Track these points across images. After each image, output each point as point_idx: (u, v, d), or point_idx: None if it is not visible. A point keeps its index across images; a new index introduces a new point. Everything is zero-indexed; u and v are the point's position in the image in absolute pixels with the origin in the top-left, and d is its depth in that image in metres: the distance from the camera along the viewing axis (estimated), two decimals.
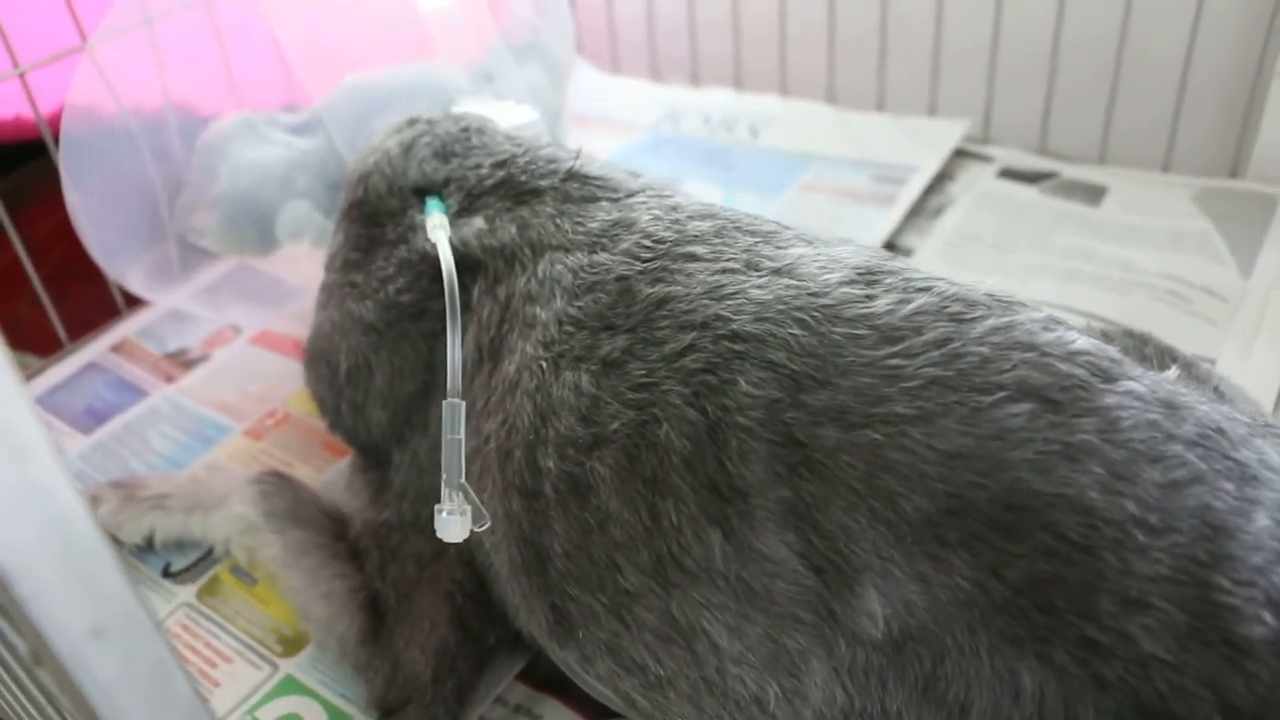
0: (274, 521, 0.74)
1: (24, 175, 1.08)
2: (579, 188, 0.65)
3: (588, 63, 1.46)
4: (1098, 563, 0.42)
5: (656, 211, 0.61)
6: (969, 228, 1.08)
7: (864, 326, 0.49)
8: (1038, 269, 1.01)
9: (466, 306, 0.64)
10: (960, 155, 1.19)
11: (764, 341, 0.50)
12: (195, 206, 0.88)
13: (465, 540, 0.56)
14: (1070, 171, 1.15)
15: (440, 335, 0.66)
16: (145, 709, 0.32)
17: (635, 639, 0.52)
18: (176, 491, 0.81)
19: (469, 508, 0.56)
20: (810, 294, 0.51)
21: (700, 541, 0.49)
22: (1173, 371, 0.50)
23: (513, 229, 0.64)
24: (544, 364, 0.57)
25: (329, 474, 0.86)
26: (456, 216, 0.67)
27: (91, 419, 0.96)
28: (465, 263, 0.65)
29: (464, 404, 0.58)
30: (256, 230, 0.85)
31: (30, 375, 1.01)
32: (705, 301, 0.53)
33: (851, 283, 0.51)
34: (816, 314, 0.50)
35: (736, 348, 0.50)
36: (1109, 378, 0.46)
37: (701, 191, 1.15)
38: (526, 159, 0.68)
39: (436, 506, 0.56)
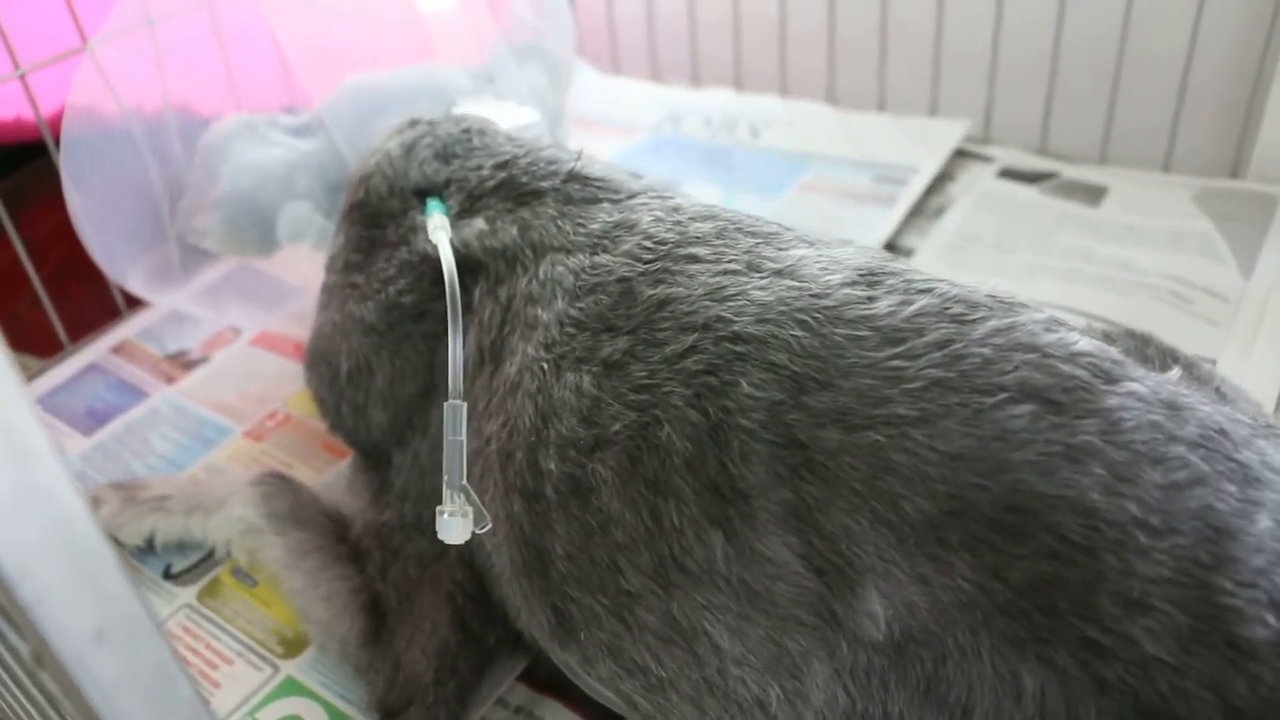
0: (275, 523, 0.74)
1: (24, 176, 1.08)
2: (580, 189, 0.65)
3: (588, 64, 1.46)
4: (1099, 564, 0.42)
5: (658, 213, 0.61)
6: (969, 228, 1.08)
7: (866, 328, 0.49)
8: (1038, 269, 1.01)
9: (468, 308, 0.64)
10: (961, 155, 1.19)
11: (766, 343, 0.50)
12: (196, 208, 0.88)
13: (466, 542, 0.56)
14: (1071, 172, 1.15)
15: (441, 337, 0.66)
16: (147, 711, 0.32)
17: (637, 640, 0.52)
18: (177, 493, 0.81)
19: (470, 509, 0.56)
20: (812, 295, 0.51)
21: (702, 543, 0.49)
22: (1175, 373, 0.50)
23: (514, 230, 0.64)
24: (545, 365, 0.57)
25: (329, 475, 0.86)
26: (457, 218, 0.67)
27: (92, 420, 0.96)
28: (466, 264, 0.65)
29: (465, 405, 0.58)
30: (257, 232, 0.85)
31: (31, 376, 1.01)
32: (707, 303, 0.53)
33: (853, 284, 0.51)
34: (818, 315, 0.50)
35: (738, 349, 0.50)
36: (1111, 379, 0.46)
37: (702, 192, 1.15)
38: (528, 160, 0.68)
39: (438, 508, 0.56)
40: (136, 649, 0.31)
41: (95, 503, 0.80)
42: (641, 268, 0.57)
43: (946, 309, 0.49)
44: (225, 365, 1.01)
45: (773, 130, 1.28)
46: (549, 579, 0.55)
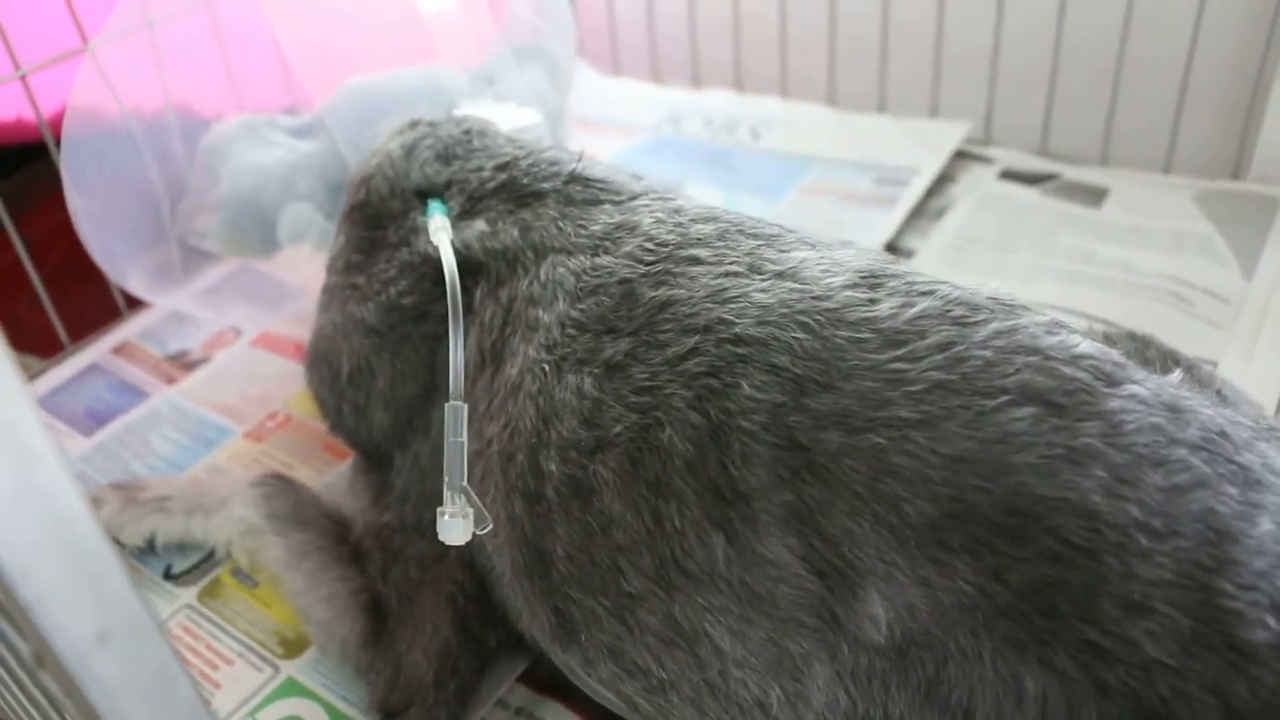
0: (275, 524, 0.74)
1: (25, 176, 1.08)
2: (581, 190, 0.65)
3: (589, 65, 1.46)
4: (1101, 567, 0.42)
5: (659, 214, 0.61)
6: (970, 229, 1.08)
7: (867, 330, 0.49)
8: (1039, 271, 1.01)
9: (468, 309, 0.64)
10: (961, 157, 1.19)
11: (767, 345, 0.50)
12: (197, 209, 0.88)
13: (467, 543, 0.56)
14: (1071, 173, 1.15)
15: (442, 338, 0.66)
16: (148, 712, 0.32)
17: (637, 642, 0.52)
18: (178, 494, 0.81)
19: (471, 511, 0.56)
20: (813, 298, 0.51)
21: (703, 545, 0.49)
22: (1176, 375, 0.50)
23: (515, 231, 0.64)
24: (546, 367, 0.57)
25: (330, 476, 0.86)
26: (458, 219, 0.67)
27: (92, 421, 0.96)
28: (467, 265, 0.65)
29: (466, 406, 0.58)
30: (258, 233, 0.85)
31: (31, 377, 1.01)
32: (708, 305, 0.53)
33: (854, 286, 0.51)
34: (819, 317, 0.50)
35: (739, 351, 0.50)
36: (1112, 381, 0.46)
37: (703, 194, 1.15)
38: (528, 161, 0.68)
39: (439, 509, 0.56)
40: (138, 650, 0.31)
41: (96, 503, 0.80)
42: (643, 269, 0.57)
43: (948, 311, 0.49)
44: (226, 366, 1.01)
45: (773, 131, 1.28)
46: (550, 580, 0.55)
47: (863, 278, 0.52)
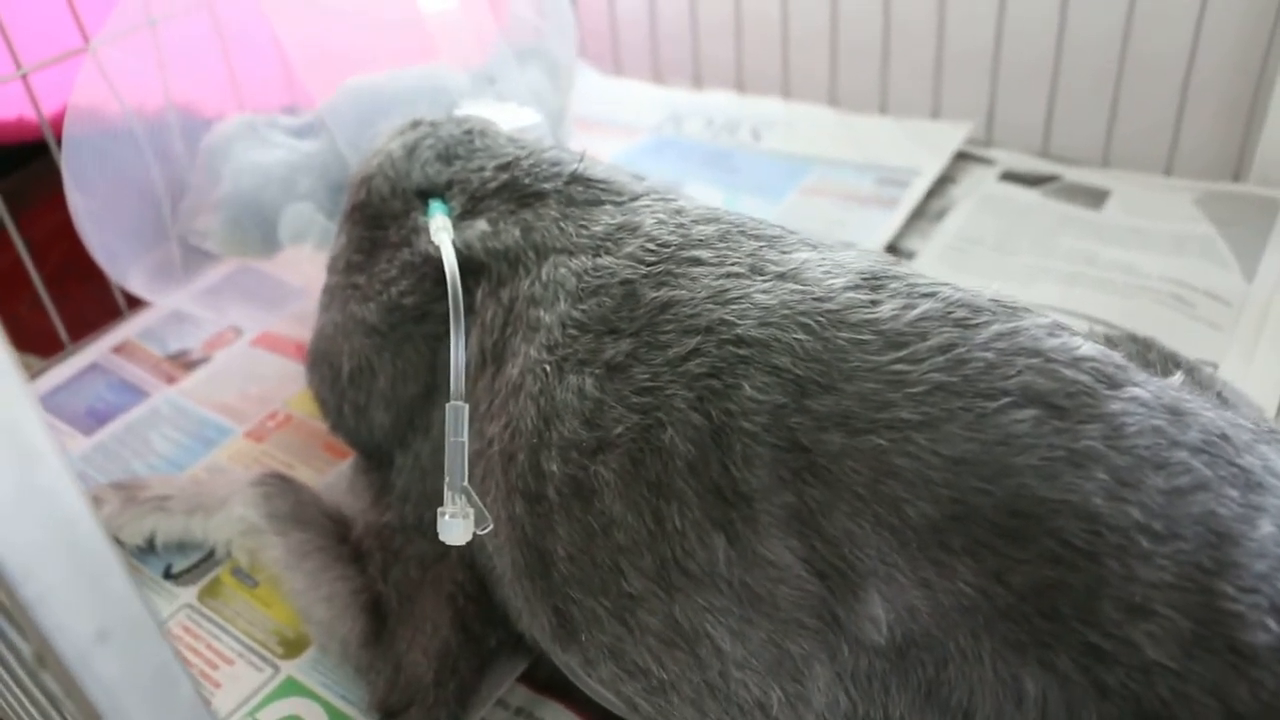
0: (276, 523, 0.74)
1: (26, 176, 1.08)
2: (583, 191, 0.65)
3: (590, 65, 1.46)
4: (1102, 569, 0.42)
5: (661, 215, 0.61)
6: (971, 231, 1.08)
7: (869, 332, 0.49)
8: (1040, 272, 1.01)
9: (470, 309, 0.64)
10: (962, 158, 1.20)
11: (768, 346, 0.50)
12: (198, 209, 0.88)
13: (468, 543, 0.56)
14: (1072, 174, 1.15)
15: (443, 338, 0.66)
16: (148, 711, 0.32)
17: (638, 643, 0.52)
18: (178, 493, 0.81)
19: (472, 511, 0.56)
20: (815, 299, 0.51)
21: (704, 546, 0.49)
22: (1177, 377, 0.50)
23: (516, 232, 0.64)
24: (547, 367, 0.57)
25: (330, 476, 0.86)
26: (459, 219, 0.67)
27: (92, 420, 0.96)
28: (468, 265, 0.65)
29: (467, 407, 0.58)
30: (259, 233, 0.85)
31: (32, 376, 1.01)
32: (710, 306, 0.53)
33: (856, 288, 0.51)
34: (821, 319, 0.50)
35: (741, 352, 0.50)
36: (1114, 384, 0.46)
37: (704, 194, 1.15)
38: (530, 162, 0.68)
39: (439, 509, 0.56)
40: (138, 649, 0.31)
41: (96, 502, 0.80)
42: (644, 270, 0.57)
43: (949, 313, 0.49)
44: (226, 365, 1.01)
45: (774, 132, 1.28)
46: (551, 581, 0.55)
47: (864, 279, 0.52)
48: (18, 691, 0.42)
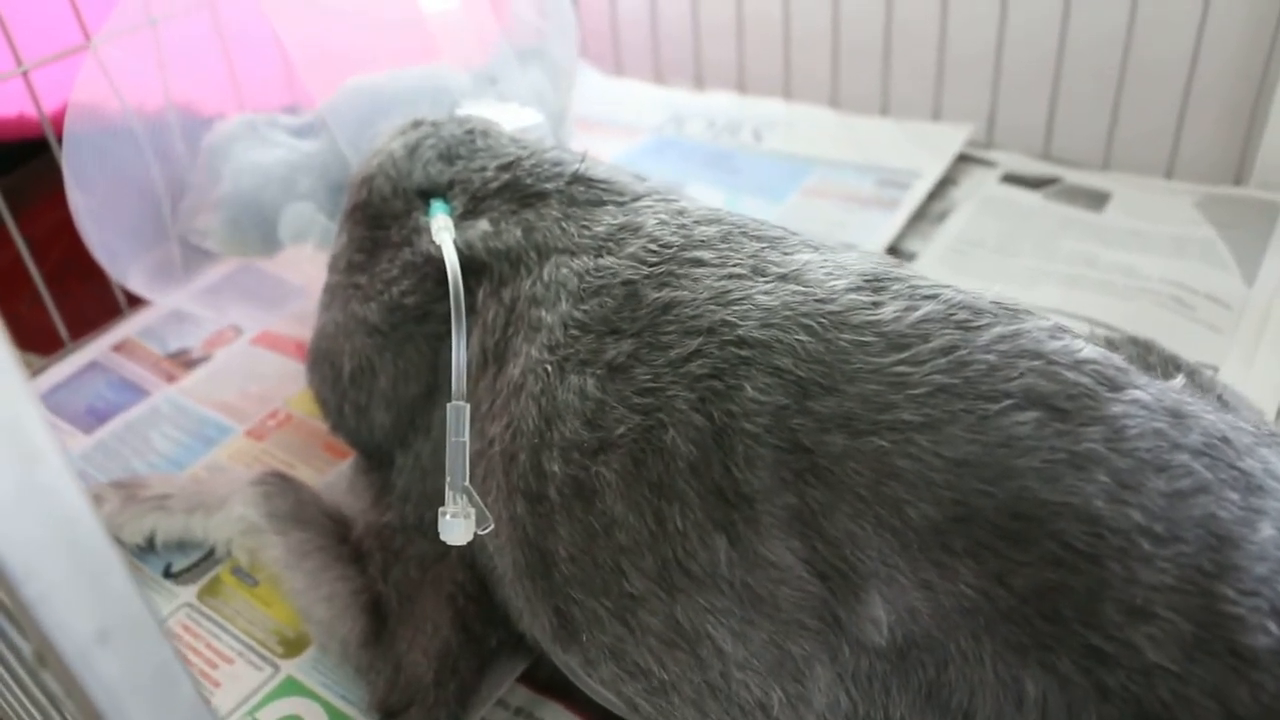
0: (276, 523, 0.74)
1: (26, 173, 1.08)
2: (584, 191, 0.65)
3: (591, 65, 1.46)
4: (1103, 571, 0.42)
5: (662, 216, 0.61)
6: (972, 233, 1.09)
7: (871, 333, 0.49)
8: (1041, 274, 1.01)
9: (471, 309, 0.64)
10: (964, 160, 1.20)
11: (770, 348, 0.50)
12: (198, 208, 0.88)
13: (468, 543, 0.56)
14: (1074, 177, 1.15)
15: (444, 338, 0.66)
16: (149, 711, 0.32)
17: (639, 643, 0.52)
18: (178, 492, 0.81)
19: (473, 510, 0.56)
20: (817, 300, 0.51)
21: (705, 547, 0.49)
22: (1178, 380, 0.50)
23: (518, 232, 0.64)
24: (549, 367, 0.57)
25: (330, 475, 0.86)
26: (461, 219, 0.67)
27: (93, 418, 0.96)
28: (470, 265, 0.65)
29: (468, 406, 0.58)
30: (259, 232, 0.85)
31: (32, 374, 1.01)
32: (711, 307, 0.53)
33: (858, 289, 0.51)
34: (823, 320, 0.50)
35: (743, 353, 0.50)
36: (1115, 386, 0.46)
37: (705, 195, 1.15)
38: (532, 162, 0.68)
39: (440, 509, 0.56)
40: (139, 649, 0.31)
41: (96, 501, 0.80)
42: (646, 271, 0.57)
43: (951, 315, 0.49)
44: (226, 364, 1.01)
45: (776, 133, 1.28)
46: (552, 581, 0.55)
47: (866, 281, 0.52)
48: (18, 691, 0.42)
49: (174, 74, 0.90)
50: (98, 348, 1.04)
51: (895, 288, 0.51)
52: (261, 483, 0.76)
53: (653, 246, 0.58)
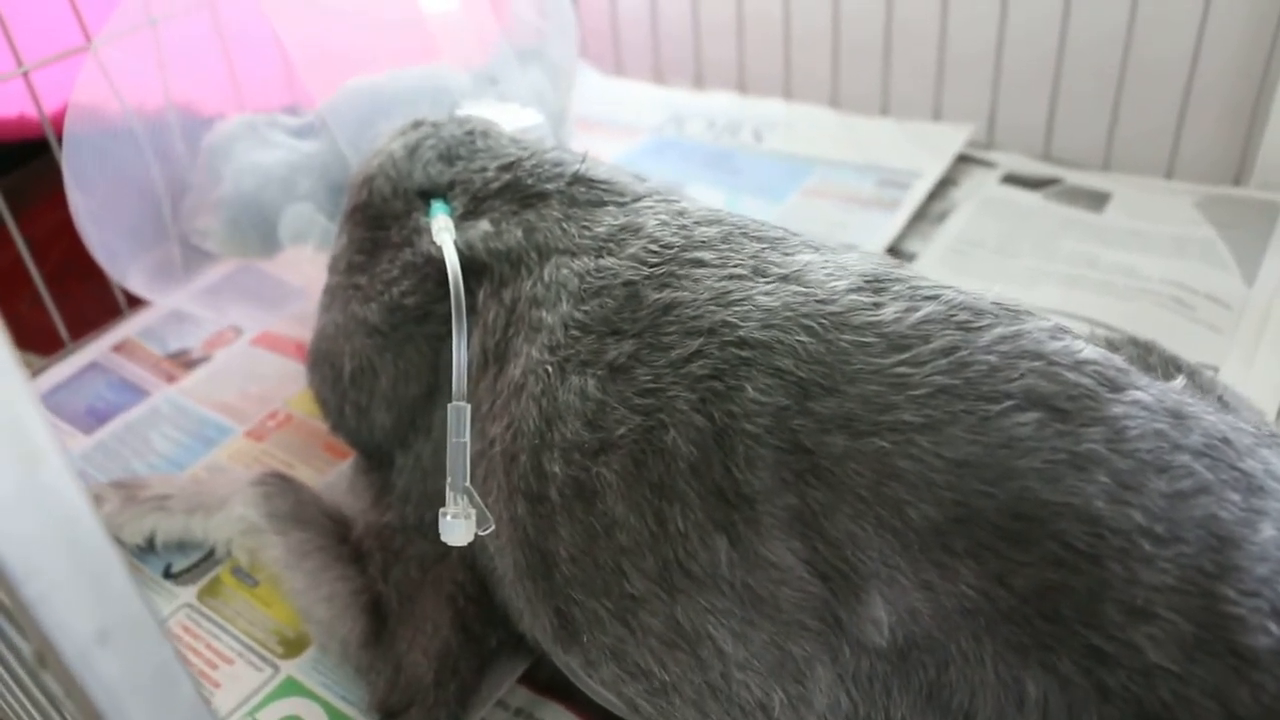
0: (276, 523, 0.74)
1: (26, 174, 1.08)
2: (585, 191, 0.65)
3: (591, 65, 1.46)
4: (1104, 572, 0.42)
5: (663, 216, 0.61)
6: (972, 233, 1.08)
7: (872, 334, 0.49)
8: (1041, 275, 1.01)
9: (472, 310, 0.64)
10: (964, 160, 1.20)
11: (771, 348, 0.50)
12: (199, 209, 0.88)
13: (469, 544, 0.56)
14: (1074, 177, 1.15)
15: (445, 338, 0.66)
16: (149, 711, 0.32)
17: (640, 644, 0.52)
18: (178, 492, 0.81)
19: (473, 511, 0.56)
20: (818, 301, 0.51)
21: (706, 547, 0.49)
22: (1179, 381, 0.50)
23: (519, 232, 0.64)
24: (550, 368, 0.57)
25: (330, 476, 0.86)
26: (461, 219, 0.67)
27: (93, 419, 0.96)
28: (471, 266, 0.65)
29: (469, 407, 0.58)
30: (259, 233, 0.85)
31: (32, 374, 1.01)
32: (712, 308, 0.53)
33: (859, 290, 0.51)
34: (824, 321, 0.50)
35: (744, 354, 0.50)
36: (1116, 387, 0.46)
37: (705, 195, 1.15)
38: (532, 162, 0.68)
39: (441, 510, 0.56)
40: (139, 649, 0.31)
41: (96, 501, 0.80)
42: (647, 271, 0.57)
43: (952, 316, 0.49)
44: (226, 365, 1.01)
45: (776, 133, 1.28)
46: (553, 582, 0.55)
47: (867, 282, 0.52)
48: (18, 691, 0.42)
49: (174, 74, 0.90)
50: (98, 348, 1.04)
51: (896, 289, 0.51)
52: (261, 483, 0.76)
53: (653, 247, 0.58)
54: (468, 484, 0.56)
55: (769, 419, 0.48)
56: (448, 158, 0.71)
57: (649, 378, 0.53)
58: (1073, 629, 0.42)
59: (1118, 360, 0.48)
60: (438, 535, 0.56)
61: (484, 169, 0.69)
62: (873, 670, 0.46)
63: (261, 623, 0.75)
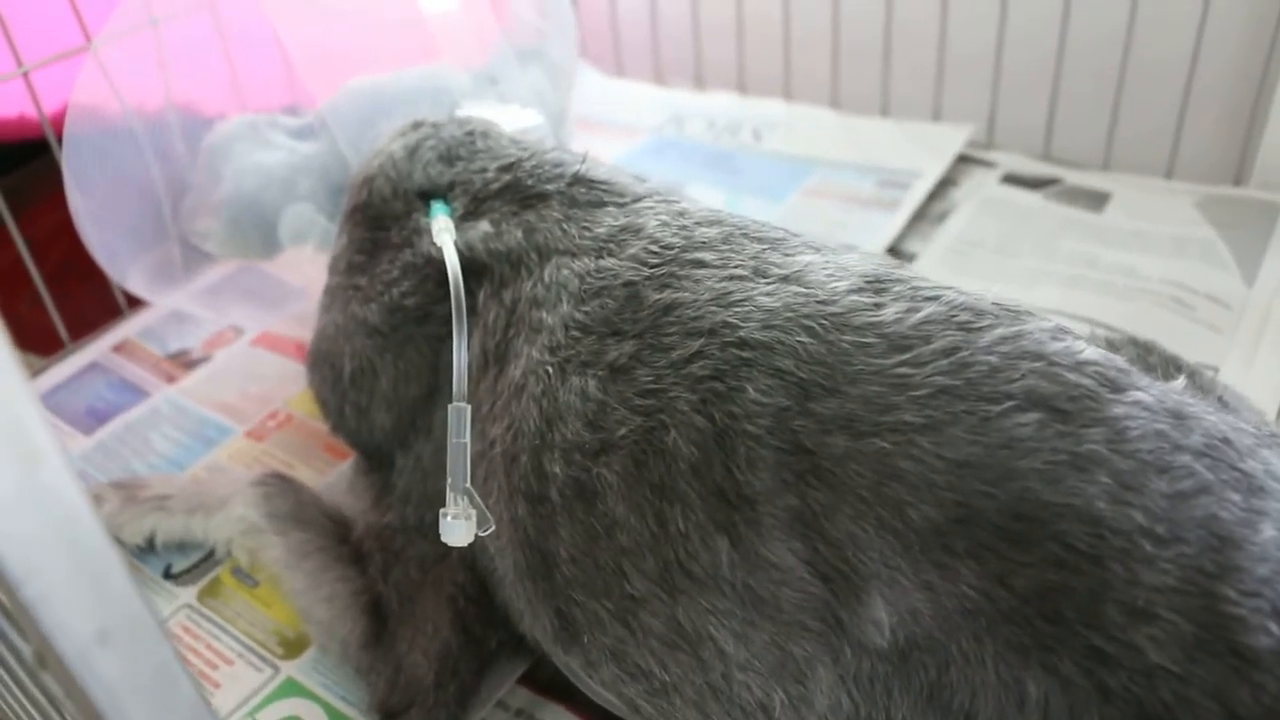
0: (276, 523, 0.74)
1: (26, 174, 1.08)
2: (585, 192, 0.65)
3: (591, 65, 1.46)
4: (1105, 573, 0.42)
5: (664, 217, 0.61)
6: (972, 233, 1.08)
7: (872, 335, 0.49)
8: (1041, 275, 1.01)
9: (472, 310, 0.64)
10: (964, 161, 1.19)
11: (772, 349, 0.50)
12: (199, 210, 0.88)
13: (469, 545, 0.56)
14: (1074, 178, 1.15)
15: (445, 339, 0.66)
16: (149, 712, 0.32)
17: (641, 645, 0.52)
18: (178, 492, 0.80)
19: (474, 512, 0.56)
20: (818, 302, 0.51)
21: (707, 548, 0.49)
22: (1180, 381, 0.50)
23: (519, 233, 0.64)
24: (550, 369, 0.57)
25: (330, 476, 0.86)
26: (462, 220, 0.67)
27: (93, 419, 0.96)
28: (471, 267, 0.65)
29: (469, 408, 0.58)
30: (259, 234, 0.85)
31: (32, 375, 1.01)
32: (713, 308, 0.53)
33: (860, 291, 0.51)
34: (825, 322, 0.50)
35: (744, 355, 0.50)
36: (1117, 388, 0.46)
37: (705, 196, 1.15)
38: (532, 163, 0.68)
39: (441, 510, 0.56)
40: (139, 649, 0.31)
41: (96, 501, 0.80)
42: (647, 272, 0.57)
43: (953, 316, 0.49)
44: (226, 365, 1.01)
45: (776, 134, 1.28)
46: (553, 582, 0.55)
47: (868, 282, 0.52)
48: (18, 692, 0.42)
49: (174, 74, 0.90)
50: (98, 348, 1.04)
51: (897, 289, 0.51)
52: (262, 483, 0.76)
53: (654, 248, 0.58)
54: (468, 485, 0.56)
55: (770, 420, 0.48)
56: (448, 158, 0.71)
57: (650, 378, 0.53)
58: (1074, 630, 0.42)
59: (1119, 361, 0.48)
60: (438, 536, 0.56)
61: (484, 170, 0.69)
62: (874, 671, 0.46)
63: (261, 623, 0.75)
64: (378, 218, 0.72)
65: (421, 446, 0.68)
